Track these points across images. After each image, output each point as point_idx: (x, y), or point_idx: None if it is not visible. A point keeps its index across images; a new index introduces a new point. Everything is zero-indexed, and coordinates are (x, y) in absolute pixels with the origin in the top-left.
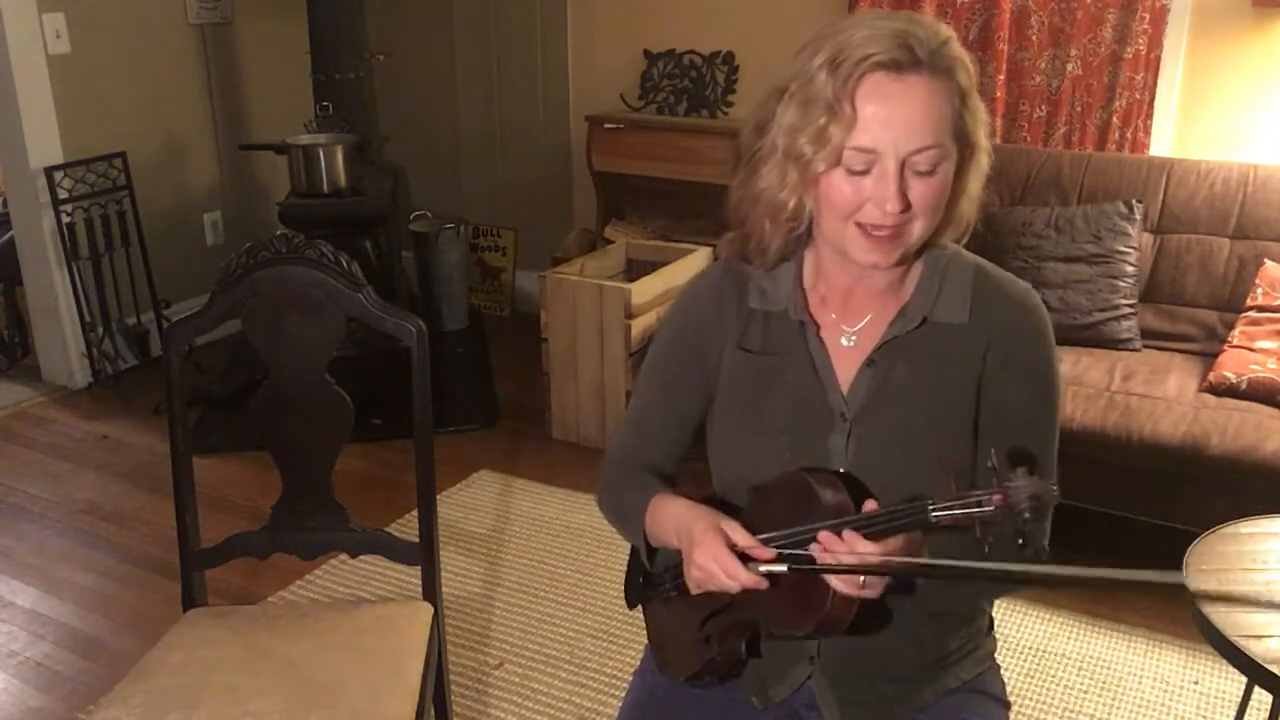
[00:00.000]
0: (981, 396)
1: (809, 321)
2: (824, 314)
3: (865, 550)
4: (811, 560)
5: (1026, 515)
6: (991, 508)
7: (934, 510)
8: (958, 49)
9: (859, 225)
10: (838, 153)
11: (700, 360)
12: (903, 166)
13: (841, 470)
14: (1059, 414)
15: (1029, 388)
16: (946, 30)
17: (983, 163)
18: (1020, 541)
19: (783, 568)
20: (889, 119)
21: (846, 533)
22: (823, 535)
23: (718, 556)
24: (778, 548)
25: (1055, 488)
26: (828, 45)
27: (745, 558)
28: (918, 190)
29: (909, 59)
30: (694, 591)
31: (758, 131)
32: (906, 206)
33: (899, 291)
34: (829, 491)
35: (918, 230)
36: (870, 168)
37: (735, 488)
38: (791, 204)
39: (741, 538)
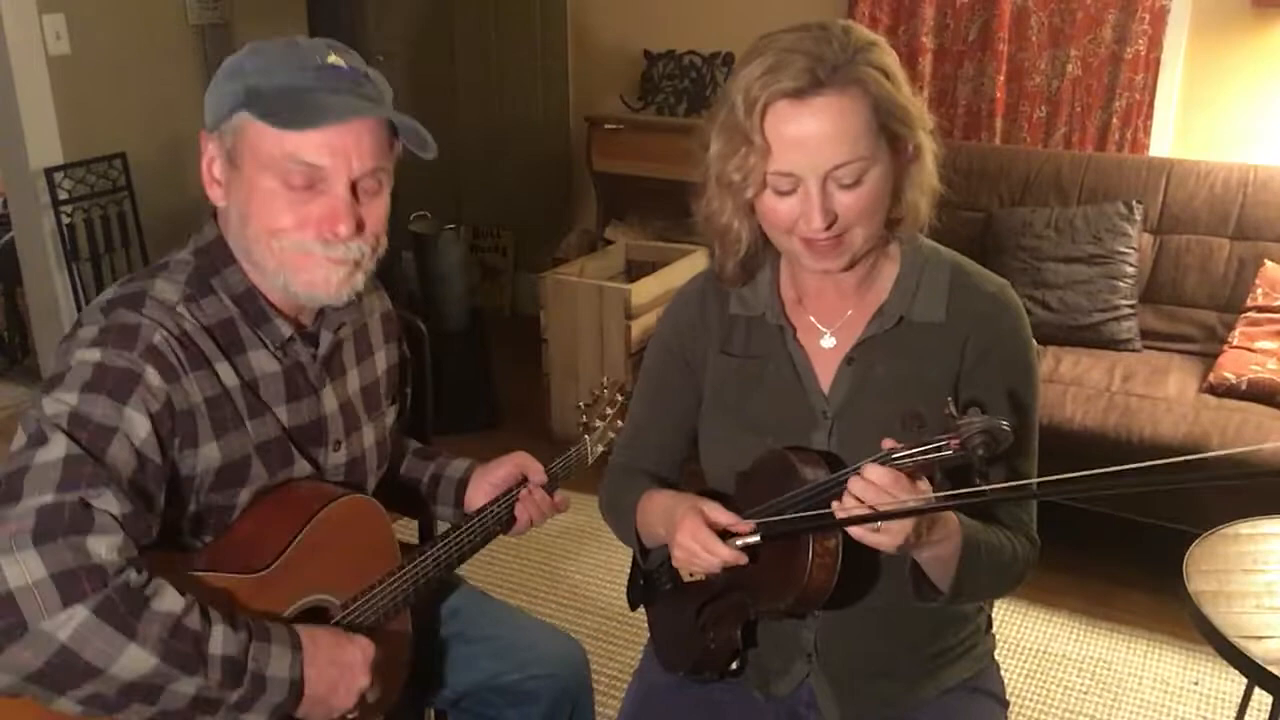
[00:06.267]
0: (960, 391)
1: (787, 325)
2: (801, 316)
3: (901, 488)
4: (786, 526)
5: (980, 451)
6: (949, 451)
7: (896, 458)
8: (875, 57)
9: (800, 238)
10: (761, 178)
11: (688, 366)
12: (826, 181)
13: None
14: (1037, 405)
15: (1007, 381)
16: (864, 37)
17: (926, 160)
18: (978, 481)
19: (755, 537)
20: (800, 143)
21: (876, 470)
22: (852, 483)
23: (696, 534)
24: (757, 521)
25: (1006, 425)
26: (743, 72)
27: (729, 536)
28: (845, 202)
29: (810, 82)
30: (679, 570)
31: (704, 150)
32: (832, 221)
33: (874, 289)
34: (809, 468)
35: (859, 237)
36: (795, 188)
37: (725, 486)
38: (735, 226)
39: (720, 515)
